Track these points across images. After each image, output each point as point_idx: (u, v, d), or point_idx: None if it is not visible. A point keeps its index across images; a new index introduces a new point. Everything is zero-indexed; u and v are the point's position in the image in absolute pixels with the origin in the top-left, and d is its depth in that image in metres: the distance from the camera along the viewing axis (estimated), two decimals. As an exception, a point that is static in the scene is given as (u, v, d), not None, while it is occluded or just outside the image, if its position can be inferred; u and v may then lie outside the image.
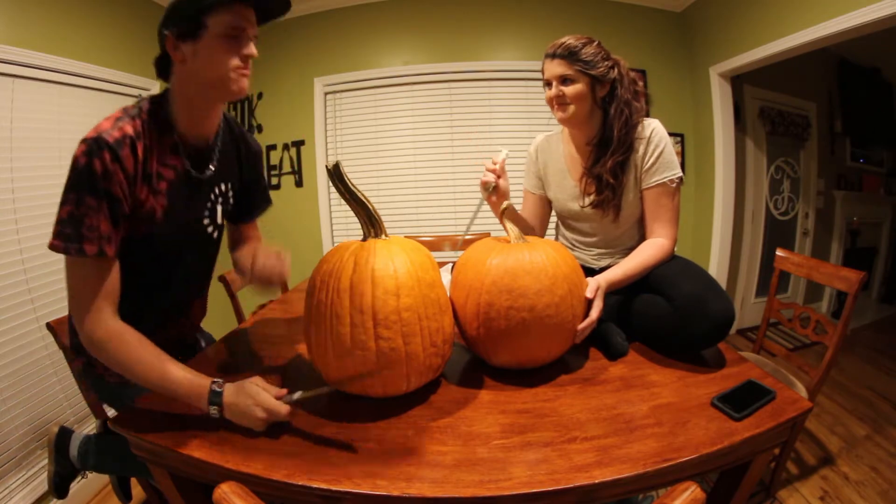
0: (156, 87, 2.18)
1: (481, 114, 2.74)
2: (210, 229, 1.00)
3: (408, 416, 0.79)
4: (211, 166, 0.94)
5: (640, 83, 1.13)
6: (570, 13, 2.62)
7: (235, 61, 0.80)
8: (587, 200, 1.18)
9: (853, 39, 1.89)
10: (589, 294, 0.93)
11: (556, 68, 1.09)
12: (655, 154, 1.09)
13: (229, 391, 0.75)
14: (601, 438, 0.70)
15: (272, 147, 2.87)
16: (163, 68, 0.85)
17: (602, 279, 0.98)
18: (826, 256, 3.30)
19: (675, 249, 1.13)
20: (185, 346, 1.15)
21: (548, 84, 1.12)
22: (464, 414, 0.80)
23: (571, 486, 0.61)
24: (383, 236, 0.86)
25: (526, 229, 1.29)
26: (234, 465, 0.67)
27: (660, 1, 2.71)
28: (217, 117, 0.93)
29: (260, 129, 2.88)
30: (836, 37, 1.88)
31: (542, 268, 0.86)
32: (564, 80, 1.08)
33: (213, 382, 0.75)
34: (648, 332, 1.02)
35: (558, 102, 1.11)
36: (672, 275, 1.02)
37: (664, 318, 0.96)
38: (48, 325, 1.18)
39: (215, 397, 0.74)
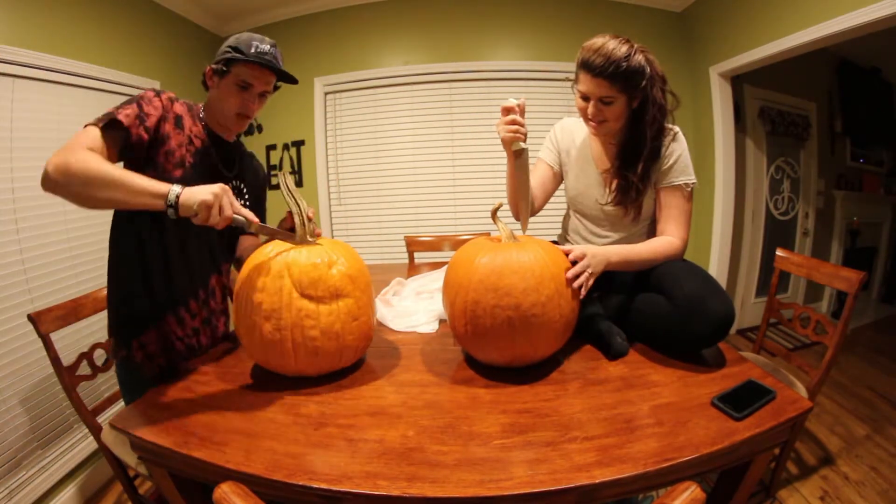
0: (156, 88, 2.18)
1: (481, 114, 2.74)
2: None
3: (408, 416, 0.79)
4: (236, 163, 1.16)
5: (667, 82, 1.07)
6: (571, 13, 2.62)
7: (237, 108, 1.04)
8: (610, 197, 1.16)
9: (853, 39, 1.89)
10: (572, 258, 0.95)
11: (597, 88, 1.00)
12: (675, 156, 1.09)
13: (189, 191, 0.82)
14: (602, 438, 0.70)
15: (272, 147, 2.87)
16: (205, 84, 1.08)
17: (601, 252, 0.99)
18: (826, 256, 3.30)
19: (684, 252, 1.12)
20: (214, 332, 1.18)
21: (583, 97, 1.05)
22: (464, 414, 0.80)
23: (572, 485, 0.61)
24: (309, 238, 0.96)
25: (524, 189, 1.24)
26: (234, 465, 0.67)
27: (660, 1, 2.71)
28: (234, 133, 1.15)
29: (260, 129, 2.88)
30: (836, 37, 1.88)
31: (528, 267, 0.87)
32: (605, 100, 1.02)
33: (174, 187, 0.82)
34: (649, 331, 1.02)
35: (596, 120, 1.06)
36: (673, 274, 1.01)
37: (664, 316, 0.96)
38: (29, 317, 1.21)
39: (172, 195, 0.81)
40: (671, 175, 1.10)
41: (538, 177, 1.28)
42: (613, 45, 0.98)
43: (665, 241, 1.10)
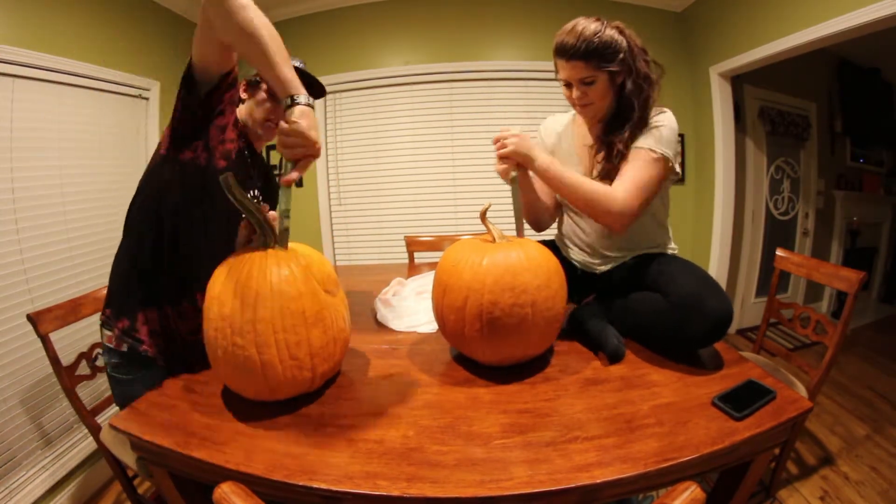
0: (156, 88, 2.18)
1: (481, 114, 2.74)
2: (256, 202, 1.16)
3: (408, 416, 0.79)
4: (258, 171, 1.21)
5: (648, 52, 1.05)
6: (571, 13, 2.60)
7: (266, 115, 1.11)
8: (597, 170, 1.10)
9: (853, 39, 1.89)
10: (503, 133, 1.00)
11: (573, 71, 1.01)
12: (653, 126, 1.03)
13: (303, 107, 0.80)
14: (602, 438, 0.70)
15: (272, 147, 2.87)
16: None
17: (533, 144, 1.03)
18: (826, 256, 3.30)
19: (623, 218, 1.01)
20: None
21: (565, 83, 1.06)
22: (464, 414, 0.80)
23: (572, 485, 0.61)
24: (275, 245, 0.85)
25: (535, 203, 1.24)
26: (234, 465, 0.67)
27: (660, 1, 2.71)
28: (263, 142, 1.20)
29: (260, 129, 2.88)
30: (836, 37, 1.88)
31: (538, 263, 0.89)
32: (585, 81, 1.02)
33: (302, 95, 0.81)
34: (646, 331, 1.01)
35: (581, 103, 1.06)
36: (670, 272, 1.01)
37: (661, 315, 0.96)
38: (28, 317, 1.20)
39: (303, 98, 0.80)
40: (640, 139, 1.03)
41: (540, 183, 1.28)
42: (583, 24, 0.98)
43: (604, 186, 1.01)
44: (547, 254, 0.94)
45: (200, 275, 1.06)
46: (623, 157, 1.04)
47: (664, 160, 1.01)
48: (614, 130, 1.06)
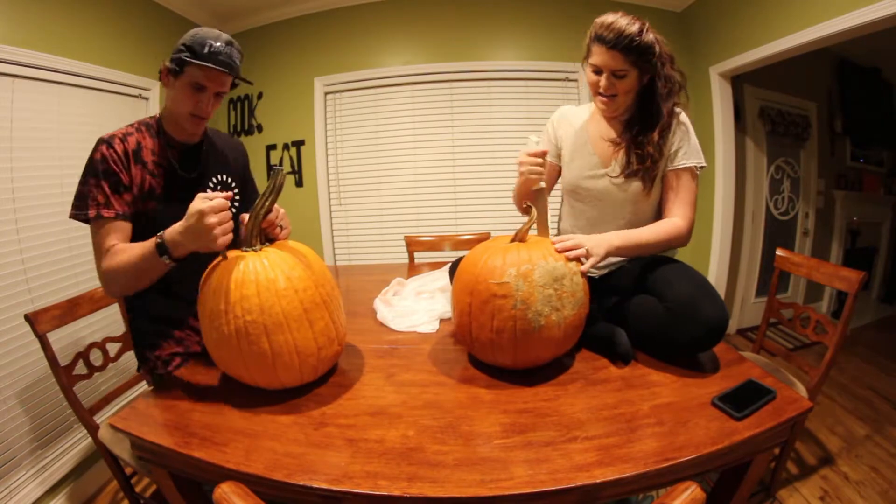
0: (156, 88, 2.18)
1: (481, 114, 2.74)
2: None
3: (408, 416, 0.79)
4: (199, 163, 1.12)
5: (675, 60, 1.09)
6: (571, 13, 2.62)
7: (191, 108, 1.01)
8: (618, 168, 1.12)
9: (853, 39, 1.89)
10: (569, 245, 0.94)
11: (611, 60, 1.02)
12: (687, 138, 1.09)
13: (171, 230, 0.85)
14: (602, 438, 0.70)
15: (272, 147, 2.87)
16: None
17: (601, 237, 1.00)
18: (826, 256, 3.30)
19: (689, 239, 1.11)
20: None
21: (594, 70, 1.06)
22: (464, 413, 0.80)
23: (572, 485, 0.61)
24: (258, 247, 0.90)
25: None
26: (234, 465, 0.67)
27: (660, 1, 2.71)
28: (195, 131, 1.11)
29: (260, 128, 2.88)
30: (836, 37, 1.88)
31: (569, 268, 0.90)
32: (618, 73, 1.03)
33: (158, 236, 0.86)
34: (642, 335, 1.01)
35: (608, 93, 1.07)
36: (667, 276, 1.01)
37: (658, 320, 0.95)
38: (26, 317, 1.21)
39: (161, 248, 0.85)
40: (683, 157, 1.09)
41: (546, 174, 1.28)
42: (626, 21, 1.01)
43: (670, 224, 1.08)
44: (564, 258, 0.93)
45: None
46: (655, 160, 1.08)
47: (703, 167, 1.10)
48: (642, 131, 1.09)
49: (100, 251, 0.95)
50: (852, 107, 3.28)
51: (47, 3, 1.72)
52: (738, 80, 2.72)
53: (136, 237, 0.98)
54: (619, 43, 1.00)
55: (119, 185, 0.96)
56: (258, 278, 0.82)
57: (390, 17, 2.71)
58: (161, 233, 0.86)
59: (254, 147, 2.90)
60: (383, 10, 2.70)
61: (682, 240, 1.09)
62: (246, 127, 2.90)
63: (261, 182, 1.16)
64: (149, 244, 0.87)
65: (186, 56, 0.96)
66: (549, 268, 0.87)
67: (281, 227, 0.99)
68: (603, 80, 1.05)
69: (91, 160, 0.97)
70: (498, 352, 0.90)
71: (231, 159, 1.22)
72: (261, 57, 2.80)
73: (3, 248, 1.54)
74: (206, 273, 0.88)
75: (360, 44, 2.74)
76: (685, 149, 1.09)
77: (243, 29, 2.83)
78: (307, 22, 2.76)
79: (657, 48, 1.03)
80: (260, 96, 2.84)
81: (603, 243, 0.98)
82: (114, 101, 2.00)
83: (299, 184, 2.86)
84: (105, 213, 0.94)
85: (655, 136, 1.07)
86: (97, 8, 1.94)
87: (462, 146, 2.77)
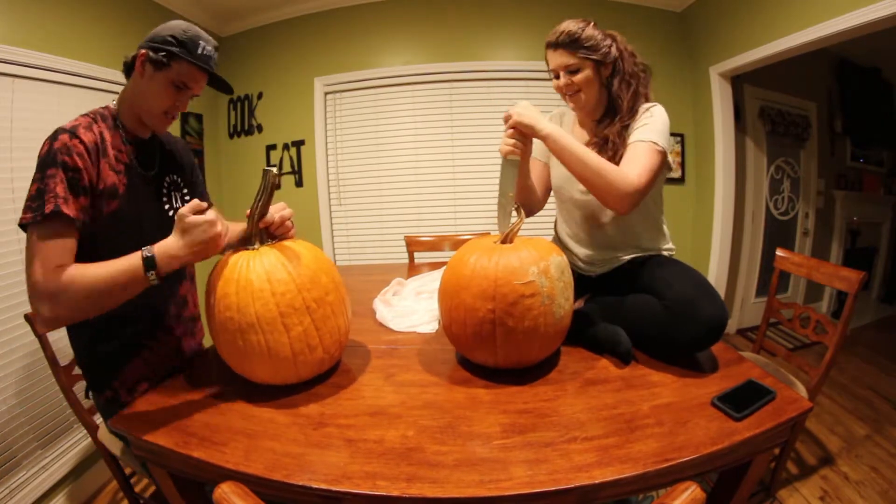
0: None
1: (481, 114, 2.74)
2: (171, 213, 1.05)
3: (408, 416, 0.79)
4: (156, 160, 1.04)
5: (638, 56, 1.14)
6: (570, 13, 2.60)
7: (166, 107, 0.94)
8: None
9: (853, 39, 1.89)
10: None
11: (559, 58, 1.09)
12: (650, 122, 1.04)
13: (164, 245, 0.79)
14: (601, 438, 0.70)
15: (272, 147, 2.87)
16: (129, 69, 0.96)
17: (543, 118, 1.03)
18: (826, 256, 3.30)
19: (632, 197, 0.98)
20: (195, 339, 1.17)
21: (555, 75, 1.13)
22: (464, 414, 0.79)
23: (572, 486, 0.61)
24: (257, 245, 0.91)
25: (527, 192, 1.23)
26: (234, 465, 0.67)
27: (660, 1, 2.71)
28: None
29: (260, 129, 2.88)
30: (836, 37, 1.88)
31: (563, 257, 0.92)
32: (570, 69, 1.09)
33: (144, 249, 0.78)
34: (640, 334, 1.00)
35: (568, 92, 1.12)
36: (666, 276, 1.01)
37: (656, 319, 0.95)
38: (25, 317, 1.21)
39: (149, 262, 0.77)
40: (640, 133, 1.04)
41: (535, 175, 1.28)
42: (568, 22, 1.10)
43: (616, 167, 1.00)
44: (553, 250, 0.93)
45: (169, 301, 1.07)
46: (616, 147, 1.08)
47: (664, 153, 1.04)
48: (605, 122, 1.13)
49: (46, 260, 0.79)
50: (852, 107, 3.28)
51: (47, 3, 1.72)
52: (738, 80, 2.72)
53: (85, 247, 0.85)
54: (562, 41, 1.07)
55: (77, 185, 0.83)
56: (239, 277, 0.83)
57: (390, 17, 2.71)
58: (148, 247, 0.78)
59: (254, 147, 2.90)
60: (383, 10, 2.70)
61: (620, 188, 0.96)
62: (246, 127, 2.90)
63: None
64: (133, 258, 0.77)
65: (179, 51, 0.88)
66: (556, 261, 0.90)
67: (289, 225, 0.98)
68: (561, 80, 1.11)
69: (49, 149, 0.82)
70: (524, 352, 0.89)
71: (179, 159, 1.13)
72: (261, 57, 2.80)
73: (3, 248, 1.54)
74: (213, 267, 0.89)
75: (360, 44, 2.74)
76: (642, 128, 1.04)
77: (243, 29, 2.83)
78: (307, 22, 2.76)
79: (607, 41, 1.09)
80: (260, 96, 2.84)
81: (540, 125, 1.00)
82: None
83: (299, 184, 2.86)
84: (66, 209, 0.80)
85: (618, 125, 1.10)
86: (97, 8, 1.94)
87: (462, 146, 2.77)
